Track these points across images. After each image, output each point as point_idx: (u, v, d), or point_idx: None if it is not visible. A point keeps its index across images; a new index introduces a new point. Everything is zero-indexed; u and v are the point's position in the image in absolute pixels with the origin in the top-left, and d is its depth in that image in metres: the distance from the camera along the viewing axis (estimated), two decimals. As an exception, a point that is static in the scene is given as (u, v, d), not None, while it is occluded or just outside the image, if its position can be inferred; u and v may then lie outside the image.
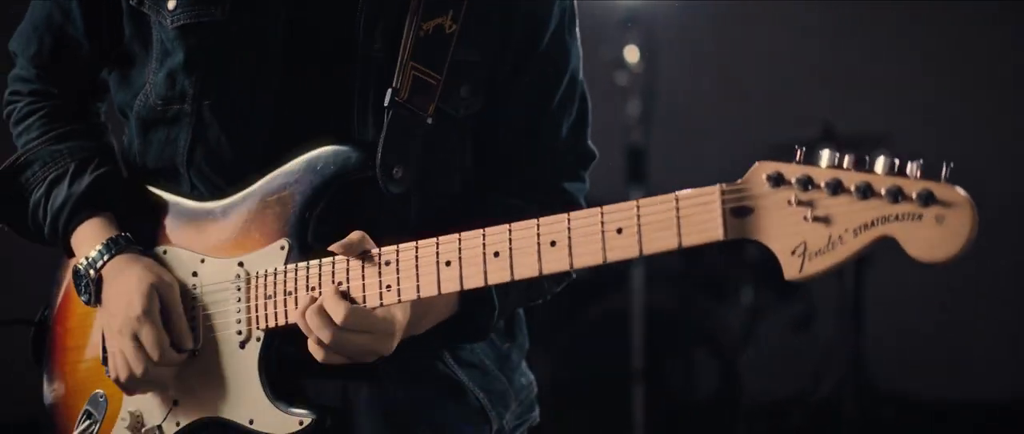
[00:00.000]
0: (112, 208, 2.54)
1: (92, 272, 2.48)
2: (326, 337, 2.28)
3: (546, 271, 2.13)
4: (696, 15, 7.19)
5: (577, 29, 2.61)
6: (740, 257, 6.77)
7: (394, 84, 2.41)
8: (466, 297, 2.42)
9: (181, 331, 2.45)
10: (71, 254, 2.56)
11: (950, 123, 7.12)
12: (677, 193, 1.99)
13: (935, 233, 1.79)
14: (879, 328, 6.86)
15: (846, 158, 1.88)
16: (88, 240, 2.51)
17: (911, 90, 7.21)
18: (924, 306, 7.05)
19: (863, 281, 6.66)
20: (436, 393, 2.51)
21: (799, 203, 1.89)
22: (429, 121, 2.43)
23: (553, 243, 2.11)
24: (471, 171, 2.56)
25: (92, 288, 2.49)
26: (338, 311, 2.27)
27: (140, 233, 2.54)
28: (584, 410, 6.62)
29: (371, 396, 2.46)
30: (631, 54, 6.39)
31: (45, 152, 2.59)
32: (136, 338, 2.42)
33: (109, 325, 2.47)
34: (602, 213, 2.06)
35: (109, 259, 2.48)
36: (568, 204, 2.54)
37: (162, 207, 2.54)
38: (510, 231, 2.16)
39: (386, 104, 2.40)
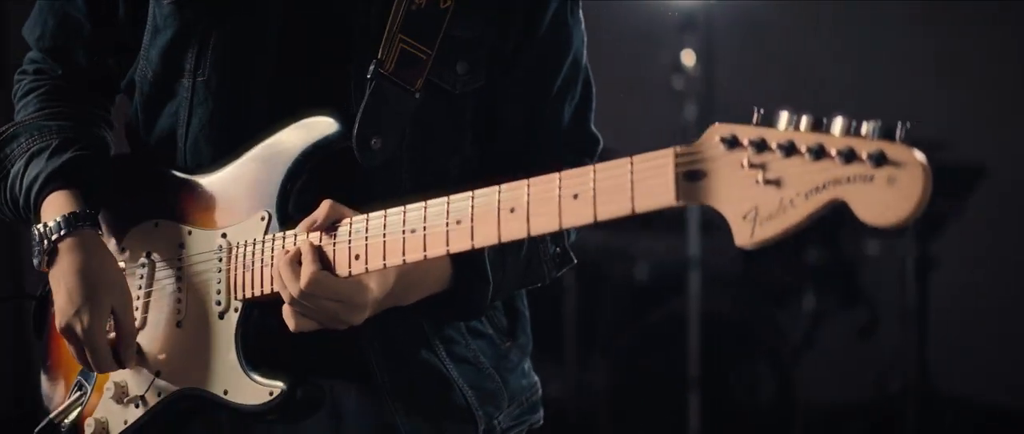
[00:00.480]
0: (85, 187, 2.52)
1: (46, 243, 2.46)
2: (294, 291, 2.25)
3: (504, 238, 2.08)
4: (756, 17, 7.13)
5: (580, 12, 2.56)
6: (801, 262, 6.70)
7: (379, 55, 2.38)
8: (459, 272, 2.40)
9: (127, 343, 2.46)
10: None
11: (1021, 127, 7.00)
12: (632, 157, 1.92)
13: (886, 195, 1.71)
14: (942, 334, 6.74)
15: (804, 119, 1.80)
16: (51, 211, 2.49)
17: (981, 93, 7.08)
18: (988, 312, 6.91)
19: (927, 286, 6.55)
20: (422, 384, 2.48)
21: (751, 166, 1.82)
22: (417, 95, 2.40)
23: (512, 210, 2.06)
24: (470, 154, 2.53)
25: (44, 257, 2.47)
26: (306, 273, 2.25)
27: (133, 206, 2.55)
28: (640, 416, 6.58)
29: (353, 376, 2.45)
30: (688, 58, 6.34)
31: (33, 126, 2.59)
32: (75, 340, 2.44)
33: (57, 308, 2.48)
34: (560, 179, 2.01)
35: (64, 236, 2.46)
36: None
37: (155, 180, 2.53)
38: (473, 198, 2.12)
39: (368, 75, 2.37)
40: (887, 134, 1.73)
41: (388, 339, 2.44)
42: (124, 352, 2.47)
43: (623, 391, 6.56)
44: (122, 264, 2.53)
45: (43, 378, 2.68)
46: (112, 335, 2.47)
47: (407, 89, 2.39)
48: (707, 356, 6.32)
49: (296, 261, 2.27)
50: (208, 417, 2.48)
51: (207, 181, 2.47)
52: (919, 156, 1.70)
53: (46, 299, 2.66)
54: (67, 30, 2.62)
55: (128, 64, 2.59)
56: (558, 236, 2.50)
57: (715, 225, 6.92)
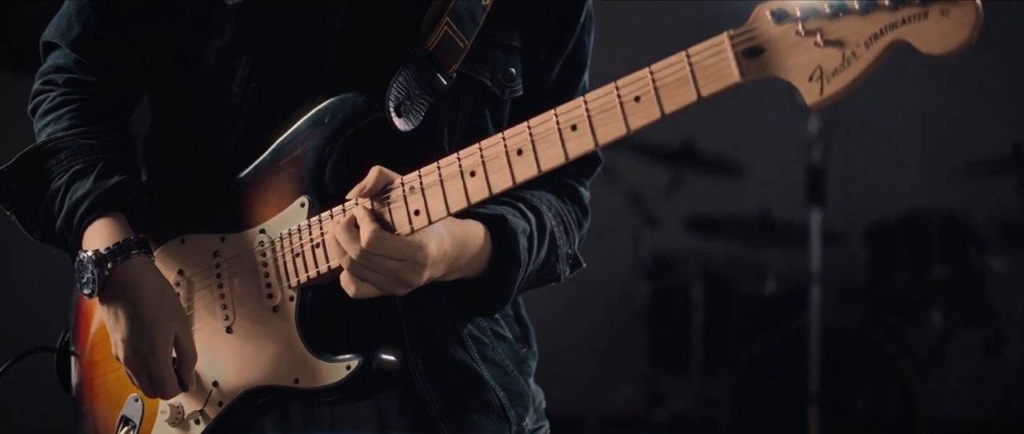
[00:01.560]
0: (130, 213, 2.50)
1: (101, 271, 2.42)
2: (354, 252, 2.29)
3: (572, 155, 2.17)
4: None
5: (593, 30, 2.68)
6: (927, 277, 6.80)
7: (423, 30, 2.44)
8: (496, 254, 2.45)
9: (188, 366, 2.47)
10: (77, 251, 2.50)
11: None
12: (687, 50, 2.05)
13: (943, 25, 1.87)
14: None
15: (852, -20, 1.94)
16: (101, 236, 2.46)
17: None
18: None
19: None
20: (459, 384, 2.52)
21: (807, 32, 1.96)
22: (447, 81, 2.46)
23: (574, 127, 2.16)
24: None
25: (97, 283, 2.43)
26: (366, 232, 2.29)
27: (153, 229, 2.54)
28: (761, 430, 6.69)
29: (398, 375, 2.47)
30: None
31: (74, 143, 2.52)
32: (143, 369, 2.44)
33: (116, 340, 2.47)
34: (617, 87, 2.12)
35: (121, 262, 2.43)
36: (576, 201, 2.66)
37: (171, 197, 2.55)
38: (529, 127, 2.21)
39: (408, 47, 2.43)
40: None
41: (426, 341, 2.48)
42: (186, 376, 2.47)
43: (745, 403, 6.66)
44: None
45: (81, 427, 2.65)
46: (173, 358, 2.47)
47: (441, 71, 2.45)
48: (830, 371, 6.39)
49: (353, 225, 2.30)
50: (275, 412, 2.52)
51: (232, 183, 2.49)
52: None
53: (66, 348, 2.66)
54: (114, 27, 2.57)
55: (162, 70, 2.58)
56: (569, 239, 2.59)
57: (839, 240, 7.09)
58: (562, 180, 2.63)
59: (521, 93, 2.57)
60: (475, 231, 2.44)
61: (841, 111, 6.85)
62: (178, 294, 2.51)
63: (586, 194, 2.68)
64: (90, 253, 2.44)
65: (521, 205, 2.53)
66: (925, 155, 7.39)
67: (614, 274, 7.39)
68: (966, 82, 7.25)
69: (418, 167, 2.33)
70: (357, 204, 2.34)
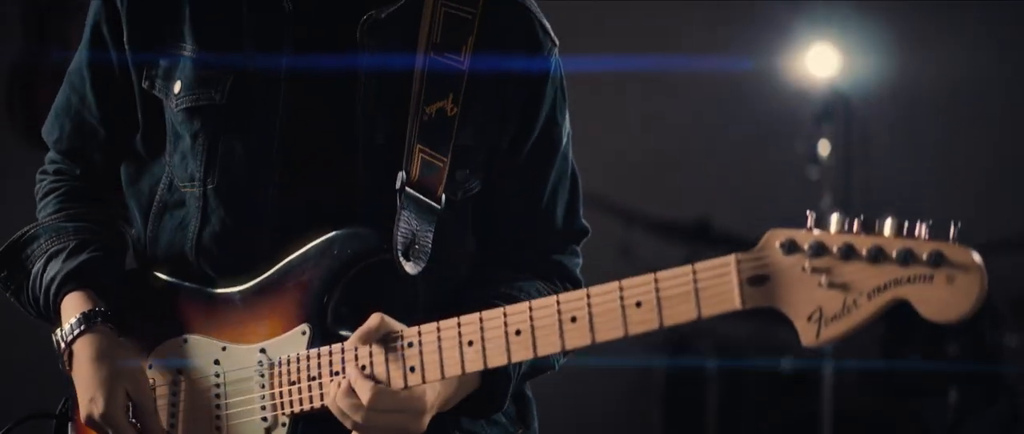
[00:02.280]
0: (100, 287, 2.58)
1: (62, 345, 2.54)
2: (359, 417, 2.32)
3: (569, 347, 2.18)
4: (898, 108, 7.14)
5: (566, 109, 2.66)
6: (941, 355, 6.69)
7: (404, 166, 2.47)
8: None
9: (150, 421, 2.51)
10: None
11: None
12: (694, 265, 2.05)
13: (947, 293, 1.85)
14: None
15: (855, 222, 1.94)
16: (69, 312, 2.56)
17: None
18: None
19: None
20: None
21: (813, 270, 1.95)
22: (439, 205, 2.48)
23: (574, 319, 2.16)
24: (473, 251, 2.62)
25: (64, 361, 2.55)
26: (365, 392, 2.32)
27: (158, 322, 2.58)
28: None
29: None
30: (824, 148, 6.42)
31: (52, 227, 2.65)
32: (98, 427, 2.50)
33: (79, 404, 2.54)
34: (621, 288, 2.11)
35: (79, 334, 2.53)
36: (566, 277, 2.64)
37: (181, 295, 2.58)
38: (531, 309, 2.21)
39: (397, 187, 2.45)
40: (938, 234, 1.88)
41: None
42: (150, 424, 2.51)
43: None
44: (149, 380, 2.57)
45: None
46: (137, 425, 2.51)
47: (431, 197, 2.48)
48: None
49: (351, 391, 2.34)
50: None
51: (237, 295, 2.52)
52: (976, 257, 1.85)
53: (65, 416, 2.68)
54: (83, 134, 2.68)
55: (133, 166, 2.65)
56: None
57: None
58: (550, 258, 2.63)
59: (478, 189, 2.58)
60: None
61: (854, 188, 6.84)
62: (157, 386, 2.56)
63: (577, 262, 2.68)
64: (58, 330, 2.55)
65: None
66: (942, 233, 7.35)
67: (628, 349, 7.38)
68: (984, 160, 7.27)
69: (404, 300, 2.42)
70: (355, 355, 2.36)
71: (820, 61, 6.48)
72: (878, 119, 6.99)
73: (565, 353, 2.58)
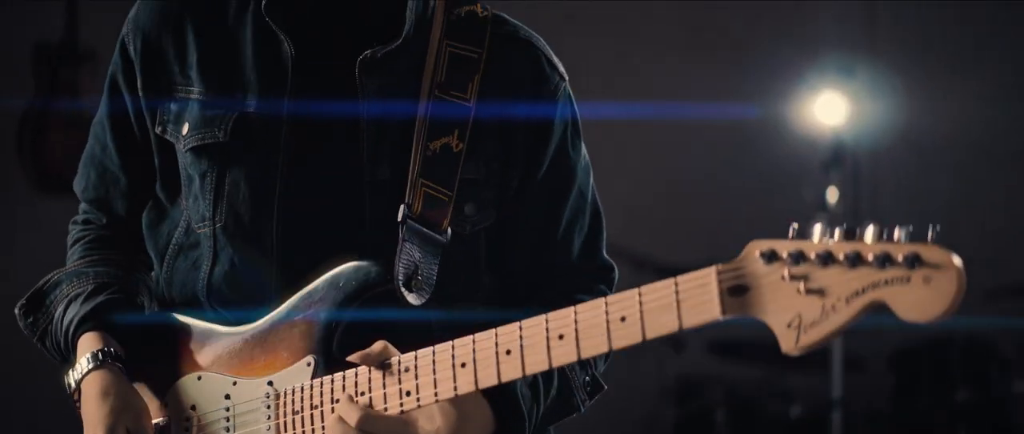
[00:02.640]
0: (114, 327, 2.62)
1: (73, 384, 2.59)
2: None
3: (556, 364, 2.19)
4: (906, 155, 7.16)
5: (582, 145, 2.68)
6: (950, 401, 6.76)
7: (406, 200, 2.49)
8: (498, 415, 2.46)
9: None
10: None
11: None
12: (676, 277, 2.06)
13: (923, 293, 1.85)
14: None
15: (837, 230, 1.94)
16: (82, 352, 2.61)
17: None
18: None
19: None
20: None
21: (792, 277, 1.95)
22: (444, 237, 2.51)
23: (561, 337, 2.17)
24: (490, 287, 2.63)
25: (74, 399, 2.60)
26: (353, 415, 2.35)
27: (174, 361, 2.62)
28: None
29: None
30: (832, 196, 6.45)
31: (74, 272, 2.70)
32: None
33: None
34: (606, 304, 2.13)
35: (88, 372, 2.57)
36: None
37: (194, 334, 2.62)
38: (520, 328, 2.23)
39: (399, 219, 2.48)
40: (918, 237, 1.88)
41: None
42: None
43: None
44: (162, 419, 2.60)
45: None
46: None
47: (435, 230, 2.50)
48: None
49: (340, 420, 2.37)
50: None
51: (247, 331, 2.56)
52: (953, 257, 1.85)
53: None
54: (106, 182, 2.74)
55: (163, 216, 2.70)
56: (586, 364, 2.58)
57: (863, 365, 7.05)
58: (571, 296, 2.57)
59: (491, 222, 2.59)
60: (470, 396, 2.42)
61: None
62: (174, 425, 2.60)
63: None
64: (71, 370, 2.60)
65: None
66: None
67: (639, 398, 7.39)
68: (993, 209, 7.26)
69: (416, 332, 2.41)
70: (355, 381, 2.39)
71: (829, 109, 6.51)
72: (886, 167, 7.01)
73: (591, 395, 2.60)
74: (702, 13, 7.11)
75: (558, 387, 2.54)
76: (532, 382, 2.49)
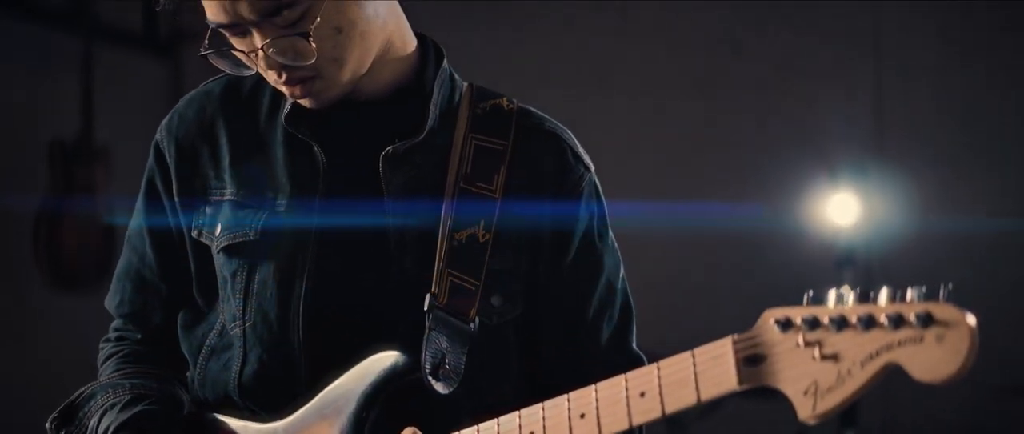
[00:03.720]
0: None
1: None
2: None
3: None
4: (919, 256, 7.18)
5: (610, 235, 2.70)
6: None
7: (433, 290, 2.51)
8: None
9: None
10: None
11: None
12: (694, 350, 2.08)
13: (937, 352, 1.86)
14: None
15: (850, 294, 1.97)
16: None
17: None
18: None
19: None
20: None
21: (807, 343, 1.98)
22: (472, 326, 2.52)
23: (582, 415, 2.20)
24: (520, 379, 2.65)
25: None
26: None
27: None
28: None
29: None
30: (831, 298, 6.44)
31: (108, 383, 2.70)
32: None
33: None
34: (626, 380, 2.15)
35: None
36: None
37: (229, 433, 2.64)
38: (543, 409, 2.26)
39: (426, 308, 2.50)
40: (931, 296, 1.91)
41: None
42: None
43: None
44: None
45: None
46: None
47: (461, 319, 2.51)
48: None
49: None
50: None
51: (280, 426, 2.56)
52: (964, 313, 1.86)
53: None
54: (145, 293, 2.75)
55: (199, 319, 2.72)
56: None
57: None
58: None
59: (519, 313, 2.60)
60: None
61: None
62: None
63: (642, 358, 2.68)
64: None
65: None
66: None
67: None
68: (1004, 312, 7.23)
69: (438, 420, 2.44)
70: None
71: (841, 210, 6.54)
72: (899, 267, 7.02)
73: None
74: (714, 113, 7.17)
75: None
76: None
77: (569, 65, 7.19)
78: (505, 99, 2.67)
